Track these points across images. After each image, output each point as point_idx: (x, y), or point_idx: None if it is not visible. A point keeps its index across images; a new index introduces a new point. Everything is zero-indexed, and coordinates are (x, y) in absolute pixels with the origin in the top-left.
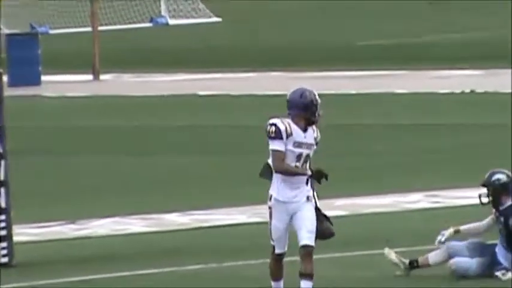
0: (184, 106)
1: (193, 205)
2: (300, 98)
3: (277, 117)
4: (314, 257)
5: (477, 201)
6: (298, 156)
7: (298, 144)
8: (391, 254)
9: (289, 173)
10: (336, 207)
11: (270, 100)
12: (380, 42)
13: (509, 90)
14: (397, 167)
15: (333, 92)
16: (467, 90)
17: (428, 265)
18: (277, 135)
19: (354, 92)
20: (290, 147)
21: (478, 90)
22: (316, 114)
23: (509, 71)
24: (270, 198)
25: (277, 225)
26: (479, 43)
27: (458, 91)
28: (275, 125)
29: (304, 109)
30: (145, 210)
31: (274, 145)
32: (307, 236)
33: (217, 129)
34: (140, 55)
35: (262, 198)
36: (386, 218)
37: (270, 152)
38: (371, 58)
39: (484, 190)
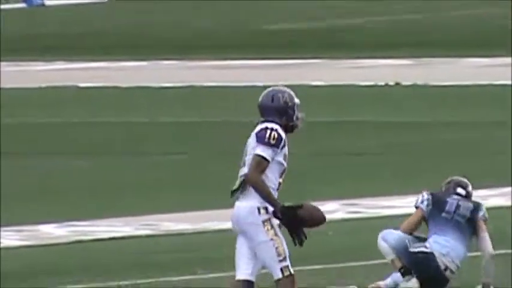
0: (63, 99)
1: (71, 215)
2: (271, 103)
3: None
4: None
5: (406, 210)
6: (283, 172)
7: (285, 158)
8: None
9: (261, 191)
10: None
11: (164, 93)
12: (291, 26)
13: (445, 83)
14: (312, 172)
15: (235, 84)
16: (392, 83)
17: None
18: (277, 143)
19: (260, 84)
20: (281, 159)
21: (405, 83)
22: (294, 118)
23: (444, 60)
24: (265, 210)
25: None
26: (408, 28)
27: (381, 83)
28: (277, 130)
29: (279, 115)
30: (17, 221)
31: (266, 153)
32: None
33: (102, 126)
34: (12, 40)
35: (151, 208)
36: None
37: (255, 156)
38: (280, 45)
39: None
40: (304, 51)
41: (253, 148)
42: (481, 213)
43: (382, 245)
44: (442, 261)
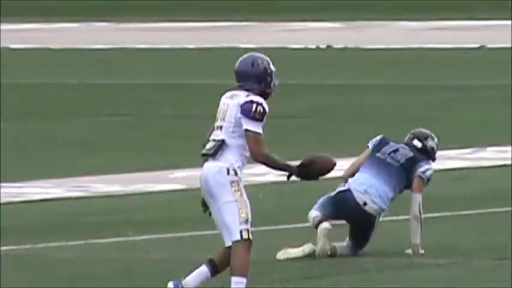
0: None
1: (1, 177)
2: (251, 68)
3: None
4: None
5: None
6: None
7: (263, 127)
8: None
9: (272, 164)
10: (172, 180)
11: (96, 55)
12: None
13: (376, 46)
14: None
15: (166, 46)
16: (323, 46)
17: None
18: (262, 118)
19: (191, 46)
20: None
21: (336, 46)
22: (272, 85)
23: (375, 23)
24: (234, 172)
25: None
26: None
27: (312, 46)
28: (262, 105)
29: (258, 81)
30: None
31: (257, 127)
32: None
33: (32, 87)
34: None
35: (81, 169)
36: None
37: (250, 133)
38: (212, 7)
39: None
40: (235, 14)
41: (238, 119)
42: (420, 169)
43: (310, 213)
44: (359, 197)
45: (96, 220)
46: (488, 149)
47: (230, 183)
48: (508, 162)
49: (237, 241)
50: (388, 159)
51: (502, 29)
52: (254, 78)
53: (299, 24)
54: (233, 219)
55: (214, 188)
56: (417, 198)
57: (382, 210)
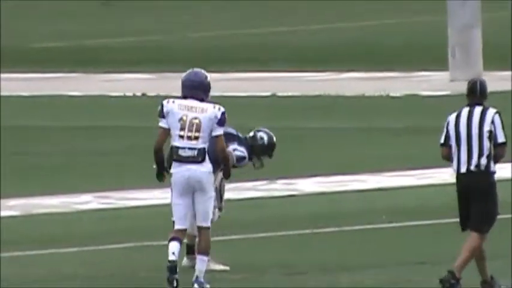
0: None
1: None
2: (205, 80)
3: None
4: None
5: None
6: None
7: None
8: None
9: (231, 161)
10: (8, 208)
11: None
12: (55, 44)
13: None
14: (69, 169)
15: (24, 94)
16: (139, 94)
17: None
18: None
19: (26, 94)
20: None
21: (150, 94)
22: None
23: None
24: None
25: None
26: (151, 47)
27: (130, 94)
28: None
29: (208, 92)
30: None
31: (222, 131)
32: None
33: None
34: None
35: None
36: (59, 218)
37: (220, 137)
38: (45, 60)
39: None
40: (63, 66)
41: (212, 129)
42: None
43: None
44: None
45: None
46: (279, 181)
47: (213, 183)
48: (296, 192)
49: (207, 227)
50: None
51: (292, 80)
52: (208, 88)
53: (119, 76)
54: (210, 209)
55: (206, 186)
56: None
57: None
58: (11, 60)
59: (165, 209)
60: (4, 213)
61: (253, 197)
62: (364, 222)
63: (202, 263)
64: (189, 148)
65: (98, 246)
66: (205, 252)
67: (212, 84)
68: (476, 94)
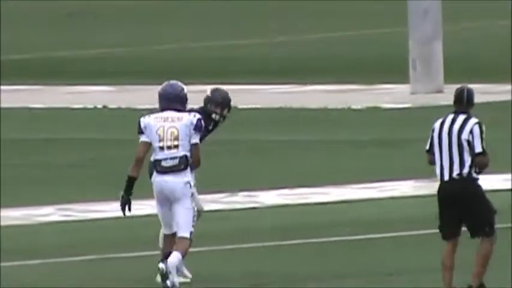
0: None
1: None
2: (180, 92)
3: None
4: None
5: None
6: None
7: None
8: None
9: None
10: None
11: None
12: (18, 56)
13: (144, 106)
14: (30, 181)
15: None
16: (100, 106)
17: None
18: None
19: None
20: None
21: (111, 106)
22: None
23: (142, 87)
24: (190, 185)
25: None
26: (114, 59)
27: (91, 106)
28: (201, 119)
29: (184, 103)
30: None
31: (199, 138)
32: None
33: None
34: None
35: None
36: (18, 231)
37: (198, 145)
38: (8, 73)
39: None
40: (26, 78)
41: (190, 136)
42: None
43: None
44: None
45: None
46: (240, 193)
47: (191, 194)
48: (258, 205)
49: (186, 238)
50: None
51: (254, 92)
52: (183, 100)
53: (81, 88)
54: (188, 221)
55: (181, 197)
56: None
57: None
58: None
59: (127, 221)
60: None
61: (215, 210)
62: (327, 234)
63: (174, 257)
64: (170, 158)
65: (60, 259)
66: (181, 251)
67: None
68: (463, 102)
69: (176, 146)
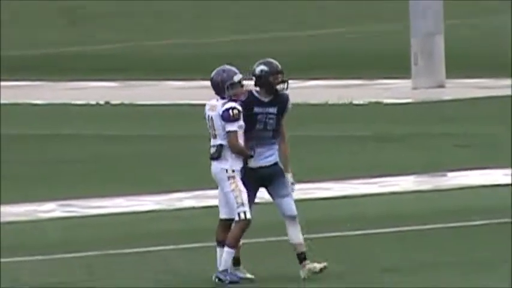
0: None
1: None
2: (216, 79)
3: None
4: None
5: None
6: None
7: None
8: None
9: (243, 154)
10: None
11: None
12: (19, 53)
13: (147, 102)
14: (33, 177)
15: None
16: (102, 102)
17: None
18: (239, 116)
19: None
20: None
21: (114, 102)
22: (229, 91)
23: (144, 82)
24: (232, 171)
25: None
26: (116, 55)
27: (93, 102)
28: (235, 107)
29: (223, 89)
30: None
31: (234, 126)
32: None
33: None
34: None
35: None
36: (21, 227)
37: (230, 133)
38: (10, 68)
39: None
40: (28, 74)
41: (223, 125)
42: None
43: None
44: None
45: None
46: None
47: (228, 179)
48: (259, 200)
49: (236, 221)
50: None
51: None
52: (217, 86)
53: (82, 84)
54: (232, 204)
55: (219, 181)
56: None
57: None
58: None
59: (129, 217)
60: None
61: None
62: (329, 230)
63: (225, 253)
64: (212, 146)
65: (62, 255)
66: (228, 243)
67: (177, 93)
68: None
69: (215, 136)
